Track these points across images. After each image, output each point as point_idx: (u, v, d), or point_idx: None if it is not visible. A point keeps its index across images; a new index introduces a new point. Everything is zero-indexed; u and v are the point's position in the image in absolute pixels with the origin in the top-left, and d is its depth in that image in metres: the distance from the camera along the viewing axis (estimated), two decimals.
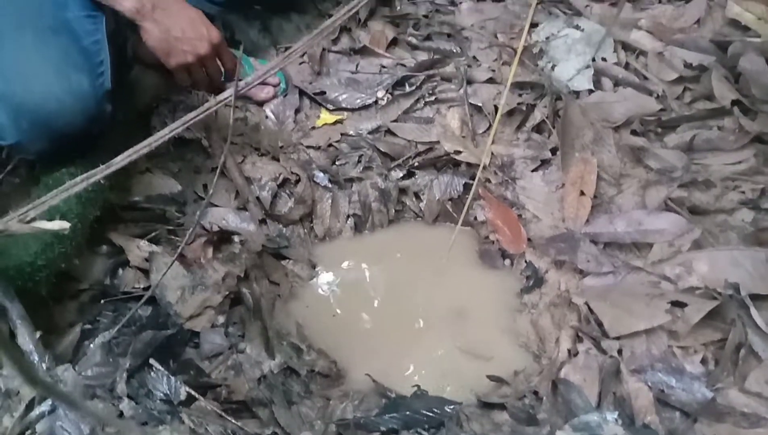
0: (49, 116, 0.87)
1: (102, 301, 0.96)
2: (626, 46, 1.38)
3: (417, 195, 1.27)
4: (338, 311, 1.13)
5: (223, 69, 1.14)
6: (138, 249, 0.99)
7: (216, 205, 1.17)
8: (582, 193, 1.15)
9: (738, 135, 1.17)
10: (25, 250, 0.85)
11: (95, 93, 0.91)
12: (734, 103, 1.21)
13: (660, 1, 1.51)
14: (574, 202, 1.15)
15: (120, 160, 0.74)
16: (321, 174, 1.24)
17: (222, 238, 1.08)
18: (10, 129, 0.88)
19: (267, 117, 1.35)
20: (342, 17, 0.91)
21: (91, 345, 0.89)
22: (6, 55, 0.87)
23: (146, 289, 0.97)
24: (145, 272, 0.98)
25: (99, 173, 0.72)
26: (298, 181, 1.22)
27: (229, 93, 0.82)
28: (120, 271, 0.98)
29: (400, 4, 1.55)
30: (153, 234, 1.05)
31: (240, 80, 0.84)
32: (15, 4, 0.92)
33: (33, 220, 0.67)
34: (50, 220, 0.69)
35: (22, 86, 0.86)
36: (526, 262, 1.14)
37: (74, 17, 0.95)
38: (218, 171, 0.95)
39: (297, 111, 1.35)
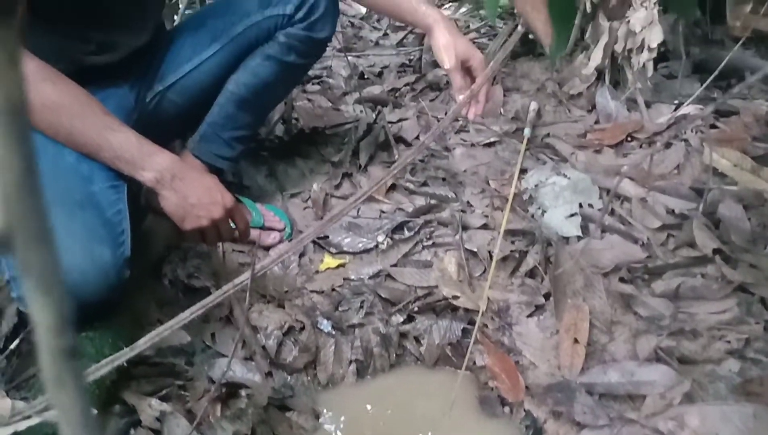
0: (72, 287, 0.93)
1: None
2: (610, 193, 1.47)
3: (417, 339, 1.31)
4: None
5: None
6: (150, 408, 1.02)
7: (223, 355, 1.21)
8: (576, 341, 1.20)
9: (721, 284, 1.23)
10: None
11: (116, 263, 0.97)
12: (716, 251, 1.28)
13: (641, 147, 1.62)
14: (568, 350, 1.19)
15: (143, 344, 0.79)
16: (325, 321, 1.29)
17: (230, 393, 1.11)
18: None
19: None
20: (372, 189, 0.98)
21: None
22: None
23: None
24: (157, 433, 1.01)
25: (122, 357, 0.77)
26: (302, 329, 1.27)
27: (245, 277, 0.88)
28: (132, 431, 1.01)
29: (397, 150, 1.65)
30: (164, 391, 1.08)
31: (256, 265, 0.90)
32: (46, 181, 0.99)
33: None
34: None
35: None
36: (525, 411, 1.17)
37: (99, 189, 1.03)
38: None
39: (301, 255, 1.42)
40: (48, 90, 1.00)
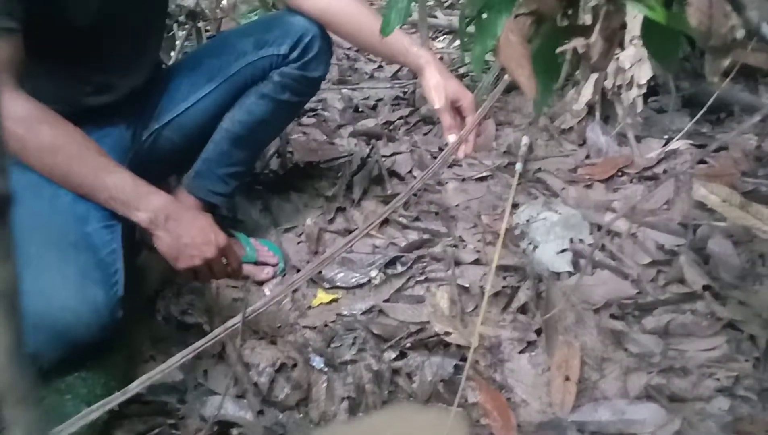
0: (66, 329, 0.94)
1: None
2: (601, 228, 1.48)
3: (409, 376, 1.32)
4: None
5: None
6: None
7: (215, 393, 1.21)
8: (567, 378, 1.20)
9: (710, 321, 1.24)
10: None
11: (109, 303, 0.98)
12: (705, 287, 1.29)
13: (631, 182, 1.64)
14: (560, 388, 1.19)
15: (134, 387, 0.80)
16: (317, 357, 1.29)
17: (221, 432, 1.11)
18: (28, 340, 0.94)
19: (266, 296, 1.42)
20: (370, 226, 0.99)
21: None
22: (30, 273, 0.95)
23: None
24: None
25: (114, 401, 0.77)
26: (294, 366, 1.27)
27: (236, 320, 0.89)
28: None
29: (390, 185, 1.67)
30: (156, 430, 1.08)
31: (247, 309, 0.91)
32: (43, 222, 1.01)
33: None
34: None
35: (43, 302, 0.93)
36: None
37: (93, 230, 1.04)
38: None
39: (294, 290, 1.43)
40: (45, 132, 1.01)
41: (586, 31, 0.76)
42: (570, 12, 0.75)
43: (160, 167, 1.41)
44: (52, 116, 1.03)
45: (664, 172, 1.64)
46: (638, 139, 1.77)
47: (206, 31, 2.24)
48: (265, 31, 1.31)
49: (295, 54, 1.30)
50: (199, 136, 1.35)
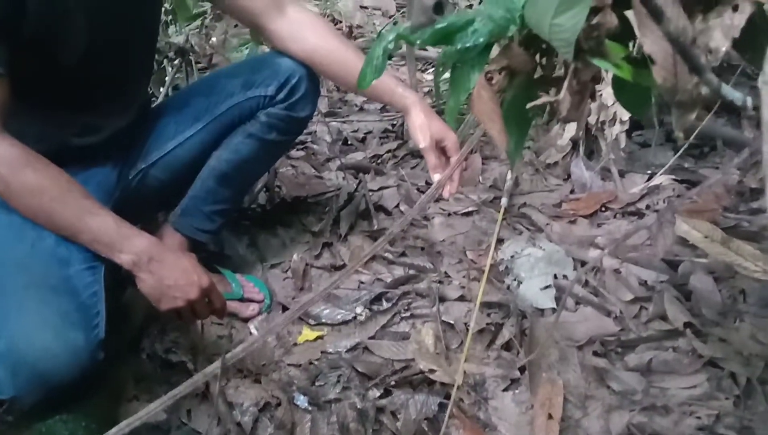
0: (46, 372, 0.94)
1: None
2: (585, 264, 1.49)
3: (394, 414, 1.31)
4: None
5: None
6: None
7: (198, 433, 1.21)
8: (550, 417, 1.20)
9: (692, 358, 1.25)
10: None
11: (89, 346, 0.98)
12: (686, 325, 1.30)
13: (615, 217, 1.66)
14: (543, 426, 1.20)
15: (115, 433, 0.80)
16: (301, 396, 1.29)
17: None
18: (7, 384, 0.94)
19: (251, 334, 1.43)
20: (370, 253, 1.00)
21: None
22: (11, 316, 0.96)
23: None
24: None
25: None
26: (278, 405, 1.27)
27: (215, 366, 0.89)
28: None
29: (377, 220, 1.68)
30: None
31: (227, 352, 0.91)
32: (25, 265, 1.02)
33: None
34: None
35: (22, 346, 0.94)
36: None
37: (75, 272, 1.05)
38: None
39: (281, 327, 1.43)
40: (30, 175, 1.02)
41: (558, 83, 0.78)
42: (544, 62, 0.77)
43: (146, 205, 1.42)
44: (37, 159, 1.04)
45: (647, 207, 1.66)
46: (622, 174, 1.79)
47: (197, 63, 2.26)
48: (253, 72, 1.33)
49: (282, 95, 1.32)
50: (186, 174, 1.36)
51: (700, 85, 0.66)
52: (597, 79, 0.74)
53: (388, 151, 2.14)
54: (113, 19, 1.10)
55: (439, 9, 0.36)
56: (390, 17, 3.64)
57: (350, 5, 3.59)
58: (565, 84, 0.64)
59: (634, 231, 1.58)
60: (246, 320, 1.44)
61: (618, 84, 0.74)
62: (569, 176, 1.83)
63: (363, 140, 2.31)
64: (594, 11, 0.63)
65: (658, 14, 0.50)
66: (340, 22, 3.34)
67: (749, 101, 0.60)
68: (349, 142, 2.28)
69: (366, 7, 3.71)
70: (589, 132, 1.81)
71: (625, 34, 0.67)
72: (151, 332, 1.38)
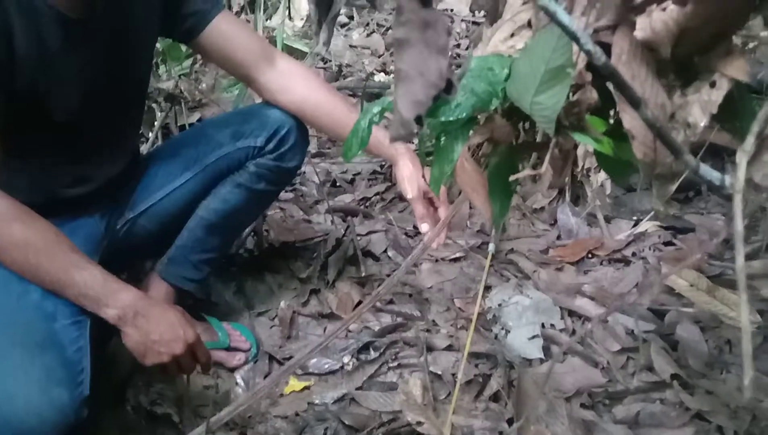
0: (30, 430, 0.92)
1: None
2: (572, 313, 1.50)
3: None
4: None
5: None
6: None
7: None
8: None
9: (679, 411, 1.25)
10: None
11: (73, 404, 0.97)
12: (673, 376, 1.31)
13: (601, 264, 1.67)
14: None
15: None
16: None
17: None
18: None
19: (237, 383, 1.41)
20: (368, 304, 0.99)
21: None
22: None
23: None
24: None
25: None
26: None
27: (200, 430, 0.89)
28: None
29: (365, 266, 1.69)
30: None
31: (212, 416, 0.90)
32: (9, 319, 1.01)
33: None
34: None
35: (7, 403, 0.92)
36: None
37: (61, 327, 1.04)
38: None
39: (266, 376, 1.42)
40: (17, 229, 1.02)
41: (540, 148, 0.80)
42: (527, 127, 0.78)
43: (134, 254, 1.41)
44: (25, 212, 1.03)
45: (633, 254, 1.67)
46: (608, 219, 1.81)
47: (187, 104, 2.27)
48: (242, 123, 1.34)
49: (271, 145, 1.33)
50: (174, 223, 1.36)
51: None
52: (578, 145, 0.75)
53: (377, 194, 2.15)
54: (105, 77, 1.12)
55: (449, 89, 0.37)
56: (379, 56, 3.69)
57: (340, 44, 3.64)
58: (547, 158, 0.65)
59: (620, 279, 1.59)
60: (232, 370, 1.43)
61: (599, 153, 0.76)
62: (556, 221, 1.84)
63: (351, 182, 2.32)
64: (574, 87, 0.64)
65: (636, 102, 0.52)
66: (330, 61, 3.38)
67: (727, 180, 0.61)
68: (337, 184, 2.29)
69: (355, 47, 3.76)
70: (575, 178, 1.83)
71: (606, 104, 0.69)
72: (136, 383, 1.36)
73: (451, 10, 4.01)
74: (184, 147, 1.37)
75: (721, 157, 2.22)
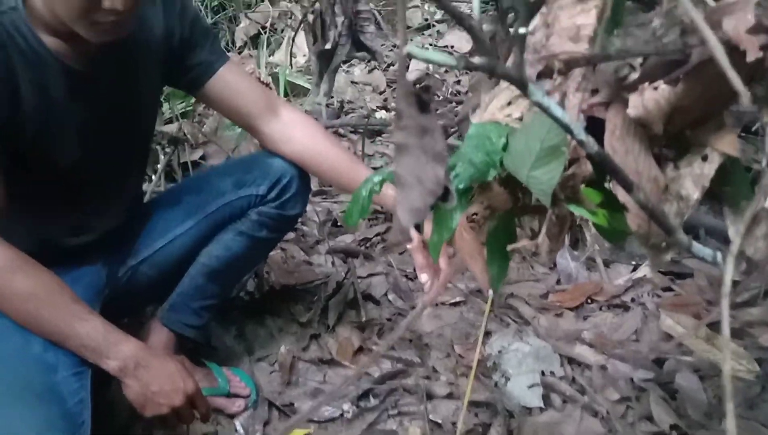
0: None
1: None
2: (571, 360, 1.50)
3: None
4: None
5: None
6: None
7: None
8: None
9: None
10: None
11: None
12: (672, 427, 1.30)
13: (600, 309, 1.67)
14: None
15: None
16: None
17: None
18: None
19: (237, 430, 1.41)
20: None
21: None
22: None
23: None
24: None
25: None
26: None
27: None
28: None
29: (365, 310, 1.69)
30: None
31: None
32: (11, 371, 1.01)
33: None
34: None
35: None
36: None
37: (62, 378, 1.04)
38: None
39: (266, 424, 1.42)
40: (20, 280, 1.03)
41: (537, 211, 0.81)
42: (523, 191, 0.80)
43: (135, 301, 1.42)
44: (28, 262, 1.05)
45: (632, 300, 1.68)
46: (607, 263, 1.82)
47: (191, 146, 2.30)
48: (245, 172, 1.36)
49: (273, 194, 1.34)
50: (175, 271, 1.37)
51: None
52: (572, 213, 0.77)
53: (377, 235, 2.16)
54: (108, 127, 1.14)
55: (445, 196, 0.38)
56: (381, 93, 3.72)
57: (341, 81, 3.68)
58: (543, 229, 0.67)
59: (619, 325, 1.59)
60: (232, 416, 1.43)
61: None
62: (555, 265, 1.85)
63: None
64: (570, 161, 0.66)
65: (628, 185, 0.53)
66: (332, 97, 3.42)
67: (719, 256, 0.62)
68: (338, 223, 2.30)
69: (357, 83, 3.80)
70: (573, 222, 1.84)
71: (601, 174, 0.70)
72: (135, 431, 1.36)
73: (452, 47, 4.06)
74: (186, 194, 1.39)
75: (719, 200, 2.24)
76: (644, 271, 1.76)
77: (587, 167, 0.66)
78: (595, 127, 0.67)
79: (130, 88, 1.17)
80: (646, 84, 0.62)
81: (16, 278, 1.03)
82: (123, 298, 1.34)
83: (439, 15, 4.31)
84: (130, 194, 1.33)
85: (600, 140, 0.64)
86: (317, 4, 1.38)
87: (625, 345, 1.53)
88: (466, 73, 3.76)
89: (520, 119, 0.73)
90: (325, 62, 1.40)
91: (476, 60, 0.40)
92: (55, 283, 1.06)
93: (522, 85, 0.43)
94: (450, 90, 3.62)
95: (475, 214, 0.72)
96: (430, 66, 3.74)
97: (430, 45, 4.04)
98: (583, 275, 1.78)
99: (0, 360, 1.04)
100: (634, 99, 0.63)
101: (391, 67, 3.86)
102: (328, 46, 1.36)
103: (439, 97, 3.49)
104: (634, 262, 1.82)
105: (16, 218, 1.09)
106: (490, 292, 1.67)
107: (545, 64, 0.66)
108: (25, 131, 1.03)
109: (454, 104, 3.40)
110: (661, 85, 0.61)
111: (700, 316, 1.58)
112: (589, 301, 1.69)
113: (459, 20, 0.39)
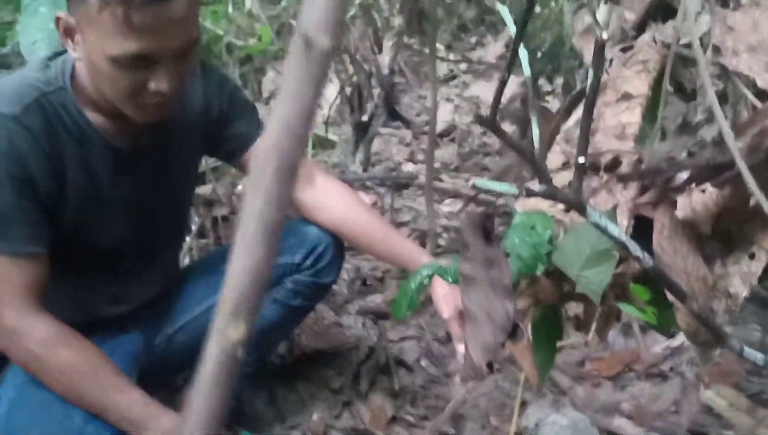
0: None
1: None
2: (610, 434, 1.47)
3: None
4: None
5: None
6: None
7: None
8: None
9: None
10: None
11: None
12: None
13: (638, 379, 1.64)
14: None
15: None
16: None
17: None
18: None
19: None
20: None
21: None
22: None
23: None
24: None
25: None
26: None
27: None
28: None
29: (397, 377, 1.68)
30: None
31: None
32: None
33: None
34: None
35: None
36: None
37: None
38: None
39: None
40: (64, 354, 1.05)
41: (583, 299, 0.81)
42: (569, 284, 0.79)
43: (169, 368, 1.43)
44: (72, 335, 1.06)
45: (671, 369, 1.64)
46: (643, 330, 1.79)
47: (223, 219, 2.30)
48: (280, 240, 1.38)
49: (308, 262, 1.36)
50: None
51: (723, 326, 0.68)
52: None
53: None
54: (150, 205, 1.17)
55: (515, 332, 0.39)
56: (407, 145, 3.74)
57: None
58: (593, 328, 0.67)
59: (658, 396, 1.55)
60: None
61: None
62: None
63: (381, 280, 2.32)
64: (619, 259, 0.66)
65: (682, 296, 0.53)
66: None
67: None
68: (367, 283, 2.30)
69: (383, 135, 3.84)
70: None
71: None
72: None
73: (478, 97, 4.08)
74: (222, 263, 1.39)
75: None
76: (682, 338, 1.72)
77: (636, 266, 0.66)
78: (641, 225, 0.67)
79: (172, 164, 1.20)
80: (693, 185, 0.63)
81: (58, 352, 1.05)
82: (158, 365, 1.35)
83: (464, 66, 4.36)
84: (167, 267, 1.35)
85: (647, 239, 0.64)
86: (355, 77, 1.42)
87: (665, 417, 1.49)
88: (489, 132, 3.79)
89: (565, 210, 0.74)
90: (362, 133, 1.43)
91: (536, 188, 0.41)
92: (96, 357, 1.08)
93: (581, 208, 0.43)
94: (476, 141, 3.65)
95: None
96: (456, 117, 3.79)
97: (456, 96, 4.08)
98: (619, 342, 1.75)
99: (42, 432, 1.05)
100: (682, 200, 0.63)
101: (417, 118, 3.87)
102: (365, 118, 1.39)
103: (466, 148, 3.52)
104: (672, 329, 1.78)
105: (54, 289, 1.11)
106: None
107: (591, 161, 0.67)
108: (69, 208, 1.06)
109: (481, 156, 3.43)
110: (709, 188, 0.62)
111: (741, 387, 1.54)
112: (626, 369, 1.65)
113: (519, 151, 0.40)
